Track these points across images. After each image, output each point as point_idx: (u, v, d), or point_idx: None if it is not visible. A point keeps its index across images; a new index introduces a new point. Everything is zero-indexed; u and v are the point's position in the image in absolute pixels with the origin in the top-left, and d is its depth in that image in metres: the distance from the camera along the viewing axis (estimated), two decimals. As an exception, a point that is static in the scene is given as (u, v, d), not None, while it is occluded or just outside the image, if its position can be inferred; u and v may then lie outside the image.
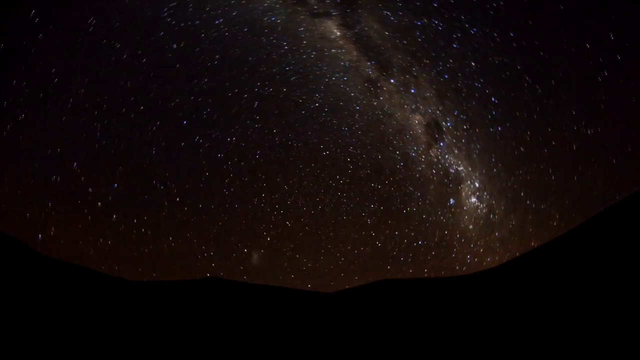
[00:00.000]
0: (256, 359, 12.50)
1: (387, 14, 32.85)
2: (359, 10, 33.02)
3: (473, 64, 33.06)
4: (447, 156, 35.69)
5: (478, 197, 35.14)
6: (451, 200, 35.84)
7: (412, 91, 35.44)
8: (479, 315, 14.74)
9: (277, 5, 33.14)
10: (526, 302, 14.72)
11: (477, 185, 35.11)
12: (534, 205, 33.01)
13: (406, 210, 37.40)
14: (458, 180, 35.61)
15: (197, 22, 32.68)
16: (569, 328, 11.74)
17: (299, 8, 33.25)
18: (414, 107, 35.98)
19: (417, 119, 36.16)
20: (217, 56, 34.46)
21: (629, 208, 18.37)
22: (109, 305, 16.20)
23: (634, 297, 11.91)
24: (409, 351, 12.52)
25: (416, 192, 37.09)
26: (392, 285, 21.74)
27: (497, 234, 34.34)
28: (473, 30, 32.04)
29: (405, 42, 33.75)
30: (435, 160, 36.16)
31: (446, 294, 18.59)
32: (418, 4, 32.11)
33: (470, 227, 35.36)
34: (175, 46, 33.25)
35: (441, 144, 35.81)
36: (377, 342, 13.58)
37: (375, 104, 36.73)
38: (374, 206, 38.17)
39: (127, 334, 13.61)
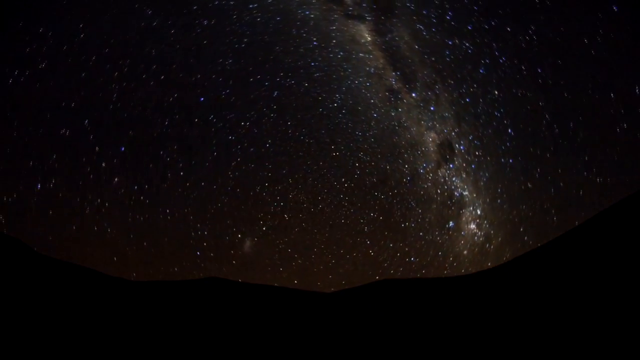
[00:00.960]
0: (256, 359, 12.49)
1: (420, 28, 32.79)
2: (394, 20, 33.04)
3: (496, 92, 33.05)
4: (454, 178, 35.63)
5: (477, 225, 35.12)
6: (451, 222, 35.87)
7: (432, 108, 35.40)
8: (479, 315, 14.73)
9: (314, 0, 33.11)
10: (526, 302, 14.71)
11: (478, 212, 35.11)
12: (531, 242, 33.05)
13: (404, 224, 37.42)
14: (461, 204, 35.60)
15: (231, 2, 32.53)
16: (568, 328, 11.74)
17: (334, 7, 33.19)
18: (430, 124, 35.93)
19: (431, 136, 36.08)
20: (245, 40, 34.32)
21: (629, 208, 18.36)
22: (109, 305, 16.20)
23: (634, 298, 11.91)
24: (409, 351, 12.51)
25: (417, 209, 37.08)
26: (392, 285, 21.73)
27: (489, 264, 34.35)
28: (502, 59, 31.96)
29: (433, 59, 33.76)
30: (442, 180, 36.10)
31: (446, 293, 18.58)
32: (452, 23, 32.03)
33: (465, 252, 35.39)
34: (206, 22, 33.05)
35: (451, 165, 35.72)
36: (377, 342, 13.58)
37: (393, 114, 36.70)
38: (374, 215, 38.15)
39: (127, 334, 13.61)
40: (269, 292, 21.44)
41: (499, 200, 34.36)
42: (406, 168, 37.13)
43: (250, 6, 32.74)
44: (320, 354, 12.79)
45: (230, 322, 16.02)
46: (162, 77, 33.80)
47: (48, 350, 11.56)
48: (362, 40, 34.37)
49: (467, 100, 34.08)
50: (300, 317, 16.98)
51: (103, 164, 32.90)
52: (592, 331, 11.10)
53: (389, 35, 33.71)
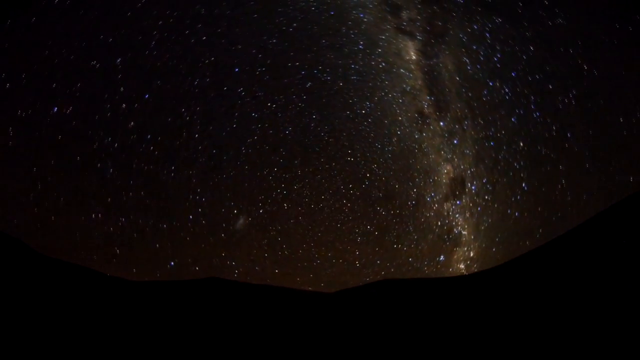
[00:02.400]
0: (256, 359, 12.50)
1: (466, 61, 32.47)
2: (443, 46, 32.76)
3: (521, 144, 32.47)
4: (457, 215, 35.23)
5: (466, 267, 34.81)
6: (442, 257, 35.41)
7: (455, 142, 34.80)
8: (479, 315, 14.74)
9: (370, 5, 32.73)
10: (527, 302, 14.72)
11: (471, 254, 34.73)
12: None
13: (397, 246, 37.15)
14: (456, 242, 35.28)
15: None
16: (569, 328, 11.75)
17: (389, 17, 32.81)
18: (449, 156, 35.35)
19: (447, 168, 35.67)
20: (294, 24, 33.56)
21: (629, 208, 18.38)
22: (109, 305, 16.20)
23: (634, 298, 11.92)
24: (409, 351, 12.52)
25: (414, 234, 36.82)
26: (392, 285, 21.74)
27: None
28: (536, 114, 31.50)
29: (470, 94, 33.28)
30: (445, 214, 35.71)
31: (447, 293, 18.59)
32: (498, 66, 31.64)
33: (447, 288, 35.50)
34: (261, -4, 33.09)
35: (458, 202, 35.29)
36: (378, 342, 13.58)
37: (416, 136, 36.11)
38: (370, 228, 37.93)
39: (127, 334, 13.61)
40: (269, 292, 21.45)
41: (494, 249, 33.91)
42: (414, 192, 36.81)
43: (308, -7, 32.70)
44: (321, 354, 12.79)
45: (230, 322, 16.01)
46: (204, 38, 33.08)
47: (48, 350, 11.55)
48: (407, 57, 34.01)
49: (492, 144, 33.45)
50: (300, 317, 16.98)
51: (123, 105, 32.10)
52: (592, 331, 11.11)
53: (434, 60, 33.35)
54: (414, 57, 33.91)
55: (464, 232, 34.89)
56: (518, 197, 32.86)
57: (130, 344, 12.84)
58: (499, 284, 18.18)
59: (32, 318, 13.44)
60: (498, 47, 31.39)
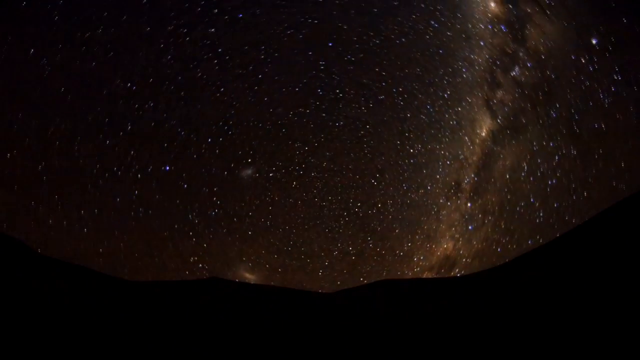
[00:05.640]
0: (256, 359, 12.50)
1: (524, 167, 32.54)
2: (513, 141, 32.74)
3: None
4: None
5: None
6: None
7: (470, 227, 34.99)
8: (479, 316, 14.74)
9: (477, 67, 32.40)
10: (527, 302, 14.72)
11: None
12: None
13: (362, 280, 37.69)
14: None
15: (424, 5, 32.24)
16: (568, 329, 11.75)
17: (486, 87, 32.68)
18: (456, 236, 35.41)
19: (448, 244, 35.53)
20: (402, 39, 33.52)
21: (629, 208, 18.38)
22: (109, 305, 16.19)
23: (634, 298, 11.92)
24: (409, 351, 12.52)
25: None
26: (392, 285, 21.74)
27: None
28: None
29: (509, 197, 33.42)
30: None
31: (446, 293, 18.58)
32: (548, 190, 31.72)
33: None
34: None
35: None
36: (378, 342, 13.58)
37: (440, 201, 36.11)
38: (350, 250, 38.17)
39: (127, 334, 13.60)
40: (268, 292, 21.45)
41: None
42: (407, 246, 36.71)
43: (432, 22, 32.26)
44: (321, 354, 12.79)
45: (230, 321, 16.01)
46: (285, 10, 32.61)
47: (48, 350, 11.55)
48: (477, 130, 34.07)
49: (499, 250, 33.74)
50: (300, 317, 16.98)
51: (151, 59, 31.73)
52: (593, 332, 11.11)
53: (498, 148, 33.42)
54: (483, 134, 33.75)
55: (432, 303, 35.13)
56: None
57: (130, 344, 12.84)
58: (499, 283, 18.18)
59: (32, 318, 13.44)
60: (558, 174, 31.02)
